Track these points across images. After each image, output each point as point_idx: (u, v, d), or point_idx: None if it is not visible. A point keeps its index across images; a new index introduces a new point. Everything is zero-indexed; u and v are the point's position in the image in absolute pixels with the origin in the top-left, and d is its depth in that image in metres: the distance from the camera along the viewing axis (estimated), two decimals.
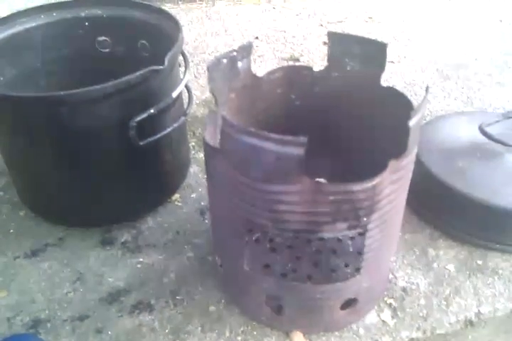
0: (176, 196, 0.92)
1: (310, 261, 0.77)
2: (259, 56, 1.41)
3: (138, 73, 0.71)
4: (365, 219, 0.60)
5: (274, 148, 0.53)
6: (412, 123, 0.56)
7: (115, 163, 0.78)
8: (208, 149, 0.63)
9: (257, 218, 0.61)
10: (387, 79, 1.28)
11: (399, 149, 0.59)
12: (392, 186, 0.61)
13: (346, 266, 0.75)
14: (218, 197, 0.66)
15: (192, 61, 1.38)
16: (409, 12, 1.61)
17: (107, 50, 0.96)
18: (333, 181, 0.86)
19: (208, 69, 0.65)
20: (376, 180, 0.57)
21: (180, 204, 0.91)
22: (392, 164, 0.58)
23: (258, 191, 0.58)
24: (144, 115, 0.72)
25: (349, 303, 0.69)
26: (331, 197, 0.57)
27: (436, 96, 1.19)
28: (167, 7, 1.70)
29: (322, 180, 0.90)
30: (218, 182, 0.64)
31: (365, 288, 0.68)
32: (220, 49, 1.43)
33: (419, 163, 0.87)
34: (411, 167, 0.65)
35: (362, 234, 0.63)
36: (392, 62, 1.34)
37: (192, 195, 0.92)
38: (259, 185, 0.58)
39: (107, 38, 0.95)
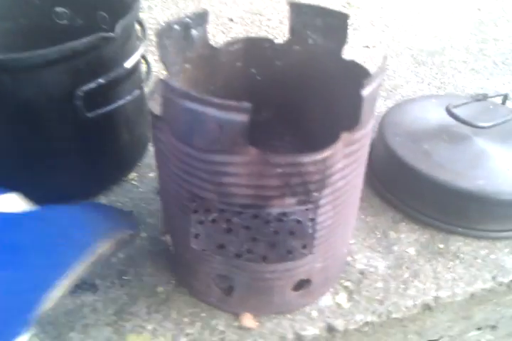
0: (133, 175, 0.88)
1: (266, 242, 0.74)
2: (232, 38, 1.37)
3: (85, 39, 0.67)
4: (316, 194, 0.57)
5: (217, 114, 0.50)
6: (365, 92, 0.53)
7: (63, 138, 0.74)
8: (152, 118, 0.59)
9: (202, 191, 0.57)
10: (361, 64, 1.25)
11: (353, 122, 0.56)
12: (345, 160, 0.57)
13: (303, 247, 0.72)
14: (164, 170, 0.62)
15: None
16: None
17: (65, 22, 0.92)
18: None
19: (158, 35, 0.61)
20: (327, 153, 0.53)
21: (136, 183, 0.87)
22: (345, 136, 0.55)
23: (202, 162, 0.55)
24: (92, 85, 0.68)
25: (302, 285, 0.66)
26: (279, 170, 0.53)
27: (409, 81, 1.17)
28: None
29: None
30: (163, 153, 0.61)
31: (319, 269, 0.65)
32: None
33: (384, 145, 0.85)
34: (367, 141, 0.62)
35: (313, 210, 0.60)
36: (367, 47, 1.31)
37: (150, 174, 0.88)
38: (202, 155, 0.54)
39: (64, 9, 0.91)
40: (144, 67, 0.86)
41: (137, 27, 0.83)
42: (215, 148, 0.53)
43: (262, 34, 1.38)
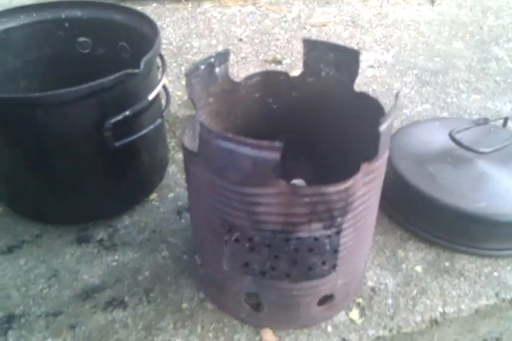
0: (154, 195, 0.93)
1: (288, 260, 0.78)
2: (242, 58, 1.43)
3: (112, 76, 0.72)
4: (339, 219, 0.62)
5: (251, 152, 0.55)
6: (382, 128, 0.58)
7: (91, 164, 0.80)
8: (187, 153, 0.64)
9: (236, 219, 0.63)
10: (367, 83, 1.30)
11: (371, 152, 0.61)
12: (365, 188, 0.63)
13: (323, 263, 0.77)
14: (197, 199, 0.67)
15: (176, 61, 1.39)
16: (392, 18, 1.64)
17: (88, 51, 0.97)
18: (311, 183, 0.88)
19: (186, 75, 0.66)
20: (349, 183, 0.59)
21: (157, 203, 0.92)
22: (365, 167, 0.60)
23: (236, 194, 0.60)
24: (119, 117, 0.74)
25: (325, 300, 0.71)
26: (306, 199, 0.59)
27: (413, 101, 1.22)
28: (153, 7, 1.71)
29: (301, 181, 0.93)
30: (197, 185, 0.66)
31: (341, 285, 0.70)
32: (204, 50, 1.45)
33: (391, 167, 0.89)
34: (383, 169, 0.67)
35: (337, 234, 0.65)
36: (372, 66, 1.36)
37: (169, 195, 0.94)
38: (236, 188, 0.60)
39: (87, 39, 0.96)
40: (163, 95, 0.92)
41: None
42: (248, 182, 0.58)
43: (271, 54, 1.43)
